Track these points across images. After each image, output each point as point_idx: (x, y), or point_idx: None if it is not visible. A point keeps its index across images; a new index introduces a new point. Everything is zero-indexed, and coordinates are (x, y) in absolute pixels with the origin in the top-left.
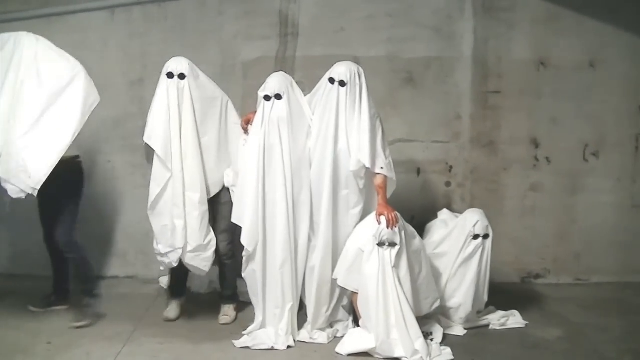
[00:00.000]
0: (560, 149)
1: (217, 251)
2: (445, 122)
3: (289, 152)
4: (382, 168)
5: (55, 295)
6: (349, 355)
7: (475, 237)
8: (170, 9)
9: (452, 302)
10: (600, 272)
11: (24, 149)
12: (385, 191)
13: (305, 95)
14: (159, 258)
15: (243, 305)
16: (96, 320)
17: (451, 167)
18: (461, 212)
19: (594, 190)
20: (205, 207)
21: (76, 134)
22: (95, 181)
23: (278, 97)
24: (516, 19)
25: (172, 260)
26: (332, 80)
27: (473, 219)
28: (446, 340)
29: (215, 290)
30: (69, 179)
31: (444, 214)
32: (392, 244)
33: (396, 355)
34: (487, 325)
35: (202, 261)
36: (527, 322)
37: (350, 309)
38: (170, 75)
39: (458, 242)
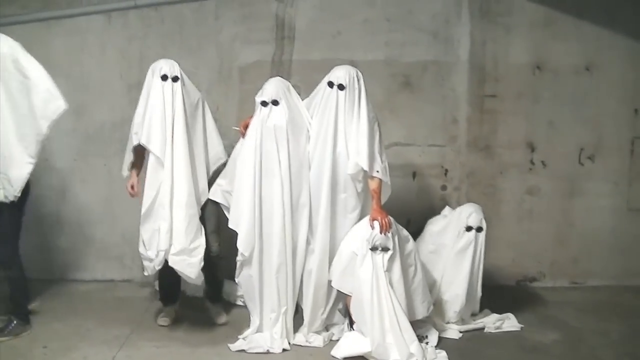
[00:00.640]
0: (557, 153)
1: (207, 252)
2: (442, 125)
3: (286, 158)
4: (377, 172)
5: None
6: (345, 358)
7: (468, 228)
8: (167, 12)
9: (447, 295)
10: (597, 275)
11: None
12: (380, 196)
13: (302, 99)
14: (147, 263)
15: (236, 308)
16: (15, 337)
17: (447, 170)
18: None
19: (591, 193)
20: (193, 210)
21: (41, 141)
22: (91, 185)
23: (275, 102)
24: (513, 23)
25: (156, 263)
26: (331, 84)
27: (467, 211)
28: (441, 343)
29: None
30: None
31: (446, 210)
32: (385, 249)
33: (392, 358)
34: (482, 329)
35: (187, 266)
36: (522, 325)
37: (345, 312)
38: (164, 78)
39: (453, 234)
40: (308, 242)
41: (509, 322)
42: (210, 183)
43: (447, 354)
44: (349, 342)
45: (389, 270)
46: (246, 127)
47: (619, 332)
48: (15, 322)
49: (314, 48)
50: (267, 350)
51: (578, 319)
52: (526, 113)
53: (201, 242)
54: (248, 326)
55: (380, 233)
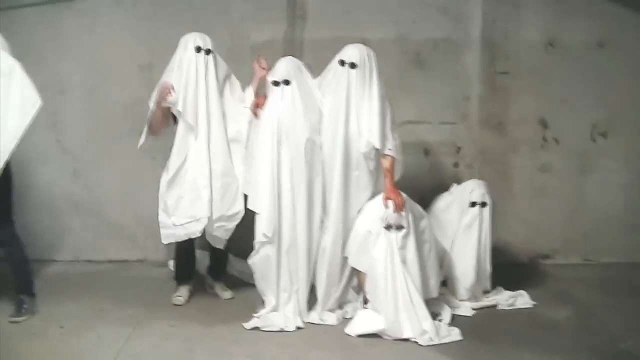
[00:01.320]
0: (569, 130)
1: None
2: (454, 103)
3: (298, 137)
4: (390, 150)
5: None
6: (359, 336)
7: (472, 204)
8: None
9: (456, 272)
10: (609, 252)
11: None
12: (393, 175)
13: (314, 78)
14: (168, 231)
15: (248, 286)
16: (32, 316)
17: (459, 148)
18: None
19: (603, 170)
20: (229, 178)
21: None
22: (103, 165)
23: (286, 82)
24: (524, 0)
25: (193, 231)
26: (342, 63)
27: (470, 187)
28: (454, 321)
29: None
30: None
31: (453, 187)
32: (399, 228)
33: (405, 335)
34: (495, 306)
35: (224, 232)
36: (535, 302)
37: (359, 289)
38: (198, 50)
39: (458, 211)
40: (322, 221)
41: (522, 299)
42: None
43: (460, 331)
44: (363, 320)
45: (402, 248)
46: (257, 106)
47: (630, 309)
48: (27, 301)
49: (325, 26)
50: (281, 328)
51: (590, 296)
52: (538, 90)
53: (240, 208)
54: (262, 304)
55: (394, 212)
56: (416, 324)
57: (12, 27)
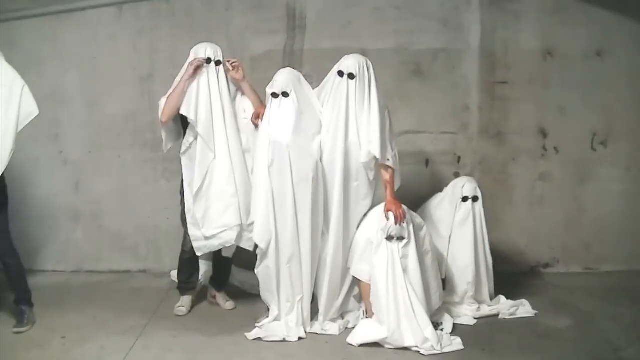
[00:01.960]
0: (569, 139)
1: None
2: (454, 113)
3: (298, 149)
4: (388, 160)
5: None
6: (361, 345)
7: (465, 199)
8: (178, 4)
9: (457, 267)
10: (610, 260)
11: None
12: (393, 186)
13: (313, 88)
14: (200, 243)
15: (249, 296)
16: (32, 326)
17: (459, 157)
18: None
19: (603, 179)
20: (248, 188)
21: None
22: (105, 176)
23: (285, 94)
24: (523, 9)
25: (227, 239)
26: (341, 73)
27: (461, 183)
28: (456, 330)
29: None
30: None
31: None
32: (400, 238)
33: (407, 344)
34: (497, 315)
35: (246, 241)
36: (536, 312)
37: (360, 298)
38: (208, 61)
39: (451, 207)
40: (323, 232)
41: (523, 309)
42: None
43: (462, 340)
44: (365, 329)
45: (404, 257)
46: (257, 117)
47: (631, 317)
48: (27, 311)
49: (325, 37)
50: (284, 338)
51: (591, 305)
52: (537, 99)
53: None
54: (264, 315)
55: (396, 224)
56: (418, 332)
57: (13, 39)
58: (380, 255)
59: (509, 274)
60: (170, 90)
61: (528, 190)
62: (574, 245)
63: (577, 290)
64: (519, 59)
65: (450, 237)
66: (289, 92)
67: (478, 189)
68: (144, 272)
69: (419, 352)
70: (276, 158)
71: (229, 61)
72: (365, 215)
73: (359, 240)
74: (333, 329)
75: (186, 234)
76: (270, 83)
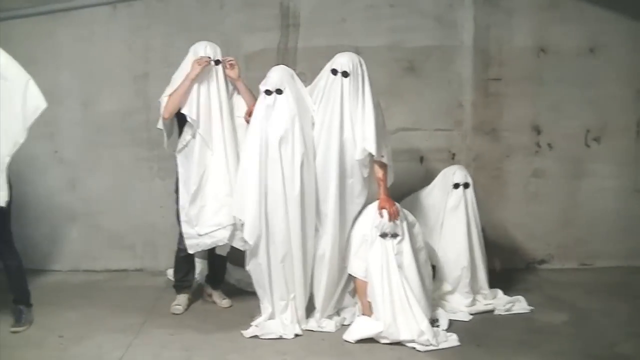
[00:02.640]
0: (563, 135)
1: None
2: (448, 110)
3: (291, 146)
4: (383, 156)
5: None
6: (357, 341)
7: (456, 186)
8: (171, 2)
9: (450, 254)
10: (604, 256)
11: None
12: (387, 183)
13: (306, 86)
14: (193, 241)
15: (245, 294)
16: (30, 325)
17: (454, 154)
18: None
19: (597, 175)
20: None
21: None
22: (100, 175)
23: (279, 91)
24: (516, 6)
25: (220, 238)
26: (334, 71)
27: (451, 170)
28: (452, 326)
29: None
30: None
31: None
32: (394, 235)
33: (402, 337)
34: (492, 311)
35: (239, 240)
36: (532, 307)
37: (354, 294)
38: (217, 62)
39: (442, 194)
40: (316, 229)
41: (519, 305)
42: None
43: (458, 336)
44: (361, 325)
45: (399, 253)
46: (250, 114)
47: (626, 313)
48: (25, 310)
49: (319, 35)
50: (280, 336)
51: (586, 300)
52: (531, 96)
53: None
54: (259, 313)
55: (389, 221)
56: (414, 326)
57: (8, 38)
58: (374, 252)
59: (505, 270)
60: (170, 89)
61: (522, 186)
62: (568, 241)
63: (572, 286)
64: (512, 56)
65: (442, 224)
66: (282, 89)
67: (469, 175)
68: (140, 270)
69: (414, 348)
70: (269, 154)
71: (225, 59)
72: (359, 212)
73: (354, 237)
74: (329, 325)
75: (181, 232)
76: (264, 80)
